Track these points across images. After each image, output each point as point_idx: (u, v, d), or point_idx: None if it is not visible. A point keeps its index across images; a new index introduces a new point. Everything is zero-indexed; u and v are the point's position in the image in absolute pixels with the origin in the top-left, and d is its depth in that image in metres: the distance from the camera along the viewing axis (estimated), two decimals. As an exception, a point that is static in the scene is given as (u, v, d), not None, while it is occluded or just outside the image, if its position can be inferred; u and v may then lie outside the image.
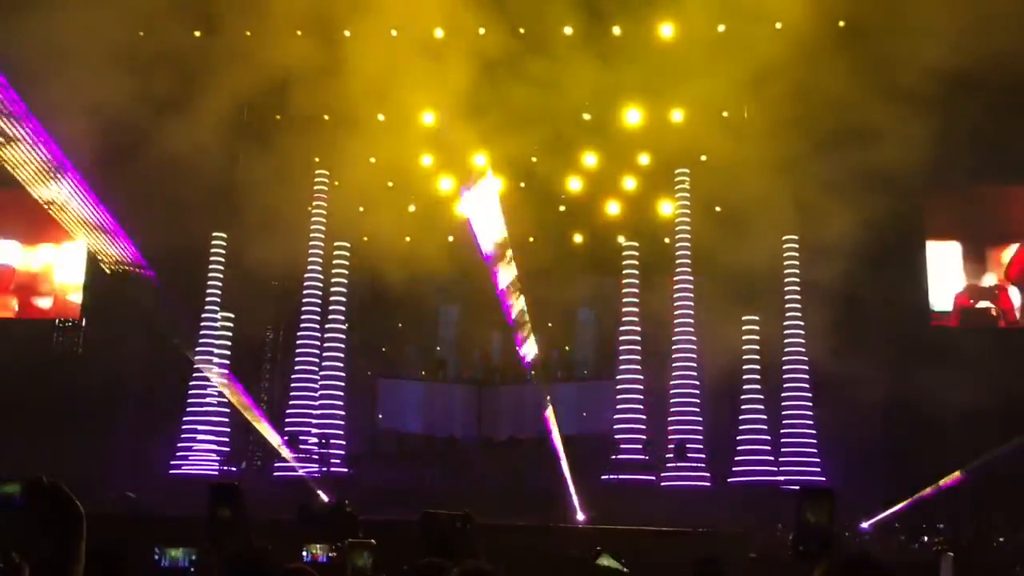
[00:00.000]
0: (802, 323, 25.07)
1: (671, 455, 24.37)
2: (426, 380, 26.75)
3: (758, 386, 24.91)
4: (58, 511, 2.68)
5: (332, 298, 26.34)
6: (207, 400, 25.18)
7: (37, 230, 26.20)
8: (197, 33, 25.01)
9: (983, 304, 25.50)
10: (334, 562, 6.23)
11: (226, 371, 25.18)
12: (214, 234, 26.00)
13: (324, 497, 20.16)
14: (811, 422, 24.38)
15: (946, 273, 25.63)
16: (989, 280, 25.50)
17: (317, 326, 26.17)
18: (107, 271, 21.83)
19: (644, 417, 25.19)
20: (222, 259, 26.14)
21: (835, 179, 20.56)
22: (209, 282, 25.94)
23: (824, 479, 23.47)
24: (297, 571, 4.52)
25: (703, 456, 24.55)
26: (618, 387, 25.55)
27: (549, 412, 21.44)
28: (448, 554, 4.20)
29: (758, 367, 25.08)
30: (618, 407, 25.33)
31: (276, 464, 24.42)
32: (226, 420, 25.10)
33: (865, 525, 20.57)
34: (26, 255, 27.21)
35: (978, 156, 23.00)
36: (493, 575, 3.49)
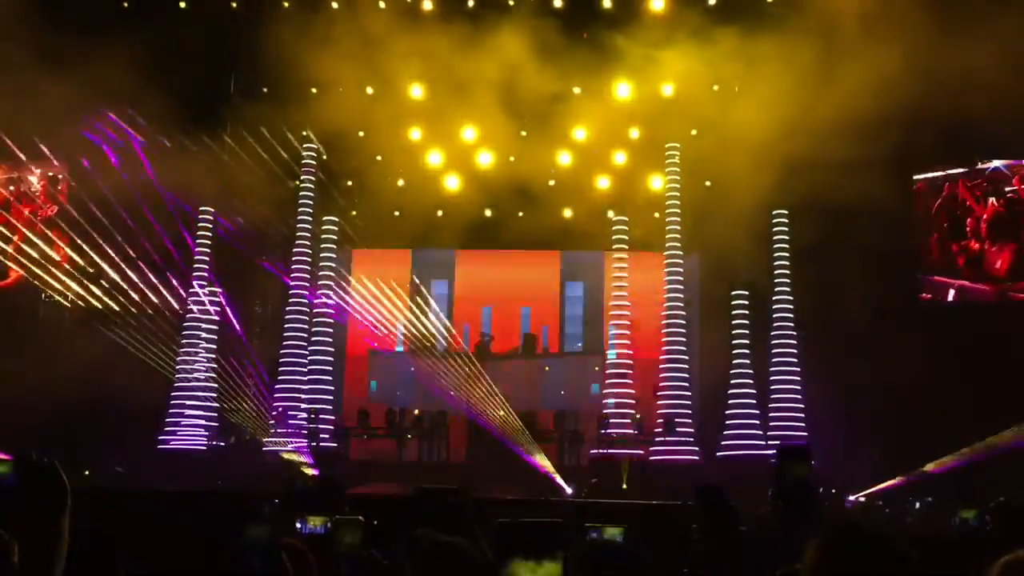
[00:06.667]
0: (791, 297, 25.13)
1: (660, 429, 24.46)
2: (416, 354, 26.71)
3: (747, 360, 24.98)
4: (45, 486, 2.61)
5: (321, 272, 26.23)
6: (195, 375, 25.09)
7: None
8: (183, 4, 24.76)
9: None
10: (330, 533, 6.21)
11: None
12: (201, 208, 25.79)
13: (311, 471, 20.16)
14: (800, 396, 24.48)
15: (939, 244, 25.53)
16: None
17: (305, 300, 26.08)
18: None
19: (633, 392, 25.24)
20: (210, 233, 25.97)
21: (826, 153, 20.47)
22: (197, 257, 25.78)
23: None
24: (288, 546, 4.47)
25: (692, 431, 24.65)
26: (607, 362, 25.59)
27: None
28: (441, 530, 4.15)
29: (747, 342, 25.13)
30: (607, 382, 25.38)
31: (265, 439, 24.41)
32: (214, 395, 25.02)
33: (851, 499, 20.69)
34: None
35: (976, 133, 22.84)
36: (457, 548, 3.46)
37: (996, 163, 25.15)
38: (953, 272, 25.11)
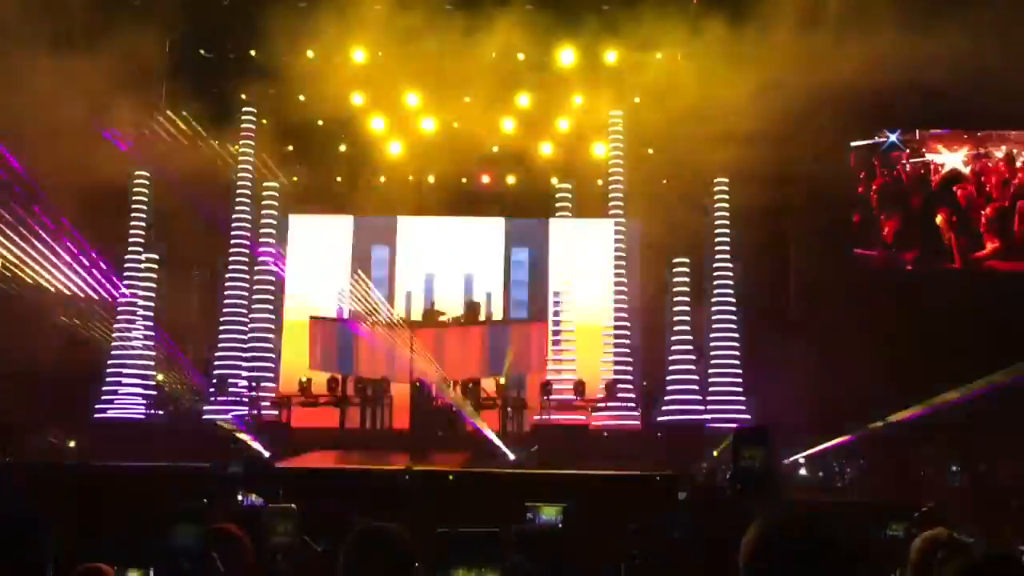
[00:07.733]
0: (731, 265, 25.46)
1: (602, 395, 24.70)
2: (358, 321, 26.52)
3: (687, 328, 25.33)
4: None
5: (261, 239, 25.86)
6: (132, 343, 24.65)
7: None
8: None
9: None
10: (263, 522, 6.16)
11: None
12: (136, 173, 25.20)
13: (255, 445, 19.89)
14: (738, 362, 24.91)
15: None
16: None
17: (245, 267, 25.72)
18: None
19: (575, 359, 25.42)
20: (145, 199, 25.40)
21: (768, 121, 20.66)
22: (132, 223, 25.22)
23: (748, 417, 24.04)
24: (223, 532, 4.41)
25: (633, 396, 24.96)
26: (552, 329, 25.71)
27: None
28: (389, 510, 4.15)
29: (687, 308, 25.46)
30: (550, 348, 25.52)
31: (204, 408, 24.10)
32: (151, 364, 24.62)
33: (786, 462, 21.15)
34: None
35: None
36: (388, 532, 3.46)
37: (891, 136, 25.79)
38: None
